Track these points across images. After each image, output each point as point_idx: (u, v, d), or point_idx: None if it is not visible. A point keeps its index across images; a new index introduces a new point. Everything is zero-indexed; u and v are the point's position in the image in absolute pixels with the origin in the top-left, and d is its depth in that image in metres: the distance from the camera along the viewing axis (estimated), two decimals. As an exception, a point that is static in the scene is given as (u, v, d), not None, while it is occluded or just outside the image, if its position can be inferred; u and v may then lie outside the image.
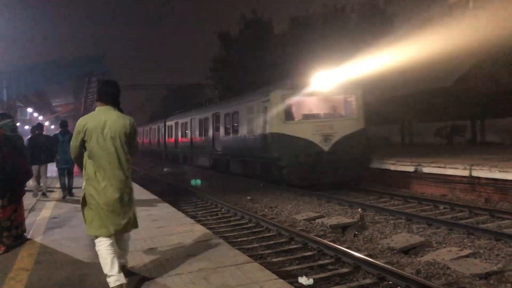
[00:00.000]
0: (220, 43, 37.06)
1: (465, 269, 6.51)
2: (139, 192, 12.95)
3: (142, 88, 63.13)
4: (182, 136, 31.55)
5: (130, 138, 4.55)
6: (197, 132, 27.24)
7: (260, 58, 33.18)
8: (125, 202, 4.51)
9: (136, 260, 5.53)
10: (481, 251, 7.57)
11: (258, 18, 35.24)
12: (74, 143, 4.48)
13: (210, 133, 24.38)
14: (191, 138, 28.80)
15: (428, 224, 9.69)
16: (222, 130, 22.38)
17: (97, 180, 4.37)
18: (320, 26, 32.41)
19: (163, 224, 7.75)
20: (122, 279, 4.34)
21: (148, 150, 44.53)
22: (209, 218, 11.88)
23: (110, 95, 4.60)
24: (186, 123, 30.25)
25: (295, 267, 7.21)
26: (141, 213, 8.97)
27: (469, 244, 8.07)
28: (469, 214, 10.68)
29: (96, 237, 4.42)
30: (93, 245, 4.60)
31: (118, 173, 4.44)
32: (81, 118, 4.57)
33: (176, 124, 32.97)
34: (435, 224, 9.59)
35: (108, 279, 4.33)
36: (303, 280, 6.37)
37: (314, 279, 6.40)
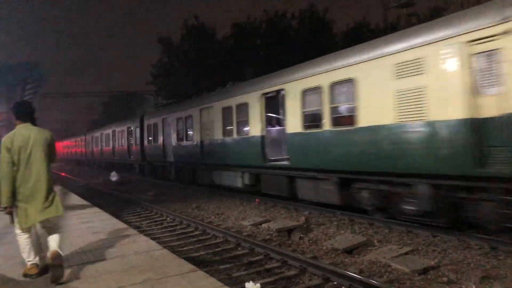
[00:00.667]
0: (162, 48, 36.57)
1: (405, 266, 6.76)
2: (79, 203, 12.46)
3: (80, 96, 61.10)
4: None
5: (50, 148, 5.32)
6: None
7: (203, 63, 33.06)
8: (48, 200, 5.20)
9: (75, 274, 5.29)
10: (420, 248, 7.90)
11: (200, 24, 35.11)
12: (3, 159, 5.02)
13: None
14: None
15: (370, 224, 10.01)
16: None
17: (24, 185, 5.05)
18: (263, 32, 32.86)
19: (104, 236, 7.49)
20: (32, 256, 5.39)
21: (85, 160, 44.47)
22: (154, 228, 11.61)
23: (28, 115, 5.30)
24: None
25: (242, 272, 7.19)
26: (81, 225, 8.65)
27: (409, 241, 8.41)
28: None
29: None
30: None
31: (42, 178, 5.14)
32: (6, 136, 5.13)
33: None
34: (376, 224, 9.92)
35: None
36: (249, 285, 6.33)
37: (261, 284, 6.40)
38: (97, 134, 40.13)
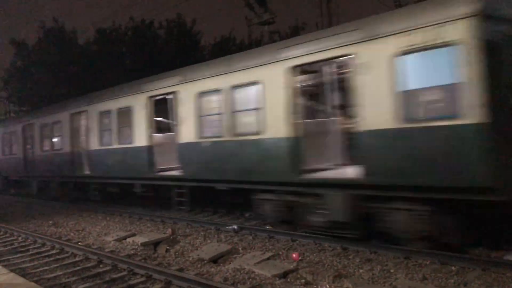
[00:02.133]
0: (14, 51, 33.23)
1: (267, 271, 7.06)
2: None
3: None
4: None
5: None
6: None
7: (62, 69, 30.83)
8: None
9: None
10: (280, 253, 8.31)
11: (59, 27, 32.75)
12: None
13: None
14: None
15: (235, 231, 10.25)
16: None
17: None
18: (128, 40, 31.89)
19: None
20: None
21: None
22: (1, 249, 10.41)
23: None
24: None
25: (103, 291, 6.82)
26: None
27: (271, 247, 8.78)
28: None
29: None
30: None
31: None
32: None
33: None
34: (241, 231, 10.20)
35: None
36: (111, 304, 6.05)
37: (123, 302, 6.15)
38: None
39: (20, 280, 5.47)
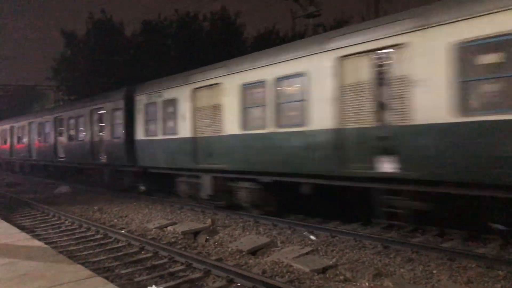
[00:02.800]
0: (65, 42, 34.41)
1: (305, 265, 7.03)
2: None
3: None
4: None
5: None
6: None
7: (109, 60, 31.71)
8: None
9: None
10: (319, 248, 8.27)
11: (107, 19, 33.65)
12: None
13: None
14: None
15: (274, 225, 10.27)
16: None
17: None
18: (173, 32, 32.36)
19: (-9, 242, 6.88)
20: None
21: None
22: (50, 231, 10.88)
23: None
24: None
25: (145, 277, 6.99)
26: (-36, 230, 7.86)
27: (309, 242, 8.76)
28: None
29: None
30: None
31: None
32: None
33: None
34: (280, 225, 10.21)
35: None
36: (151, 290, 6.21)
37: (164, 287, 6.30)
38: None
39: (68, 261, 5.71)
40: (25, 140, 27.46)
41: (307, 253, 7.83)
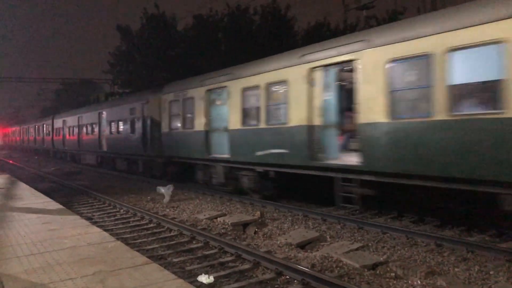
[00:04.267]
0: (120, 36, 35.56)
1: (355, 261, 6.97)
2: (28, 192, 12.03)
3: (32, 81, 58.56)
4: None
5: None
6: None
7: (162, 54, 32.48)
8: None
9: (23, 264, 5.13)
10: (370, 244, 8.16)
11: (161, 13, 34.42)
12: None
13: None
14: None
15: (323, 219, 10.23)
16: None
17: None
18: (224, 25, 32.65)
19: (55, 227, 7.28)
20: None
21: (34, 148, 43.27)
22: (106, 219, 11.38)
23: None
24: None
25: (196, 266, 7.19)
26: (31, 215, 8.37)
27: (359, 238, 8.66)
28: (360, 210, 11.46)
29: None
30: None
31: None
32: None
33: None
34: (329, 220, 10.15)
35: None
36: (203, 278, 6.37)
37: (214, 277, 6.44)
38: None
39: (125, 247, 5.96)
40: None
41: (357, 249, 7.75)
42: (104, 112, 24.55)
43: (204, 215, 11.03)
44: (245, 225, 9.97)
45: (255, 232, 9.49)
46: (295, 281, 6.35)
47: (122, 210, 12.38)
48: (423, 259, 7.22)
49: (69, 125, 31.75)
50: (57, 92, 65.81)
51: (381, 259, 7.14)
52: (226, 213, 11.34)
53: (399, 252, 7.64)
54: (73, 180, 20.07)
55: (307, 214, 10.78)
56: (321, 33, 30.97)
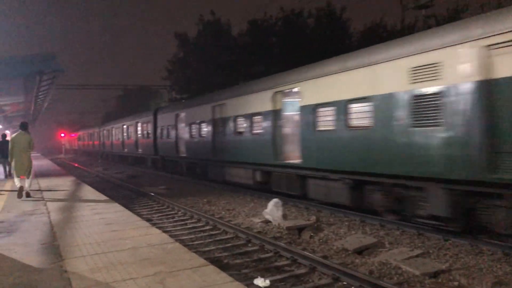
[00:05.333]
0: (177, 43, 36.63)
1: (415, 268, 6.73)
2: (92, 194, 12.60)
3: (95, 88, 61.54)
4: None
5: (30, 143, 11.70)
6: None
7: (218, 59, 33.07)
8: (26, 165, 11.68)
9: (88, 263, 5.37)
10: (431, 251, 7.86)
11: (216, 20, 35.12)
12: (10, 147, 11.66)
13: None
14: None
15: (381, 225, 9.97)
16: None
17: (16, 157, 11.55)
18: (278, 30, 32.74)
19: (116, 228, 7.57)
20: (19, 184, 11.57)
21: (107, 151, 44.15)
22: (165, 221, 11.71)
23: (24, 127, 11.94)
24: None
25: (252, 269, 7.23)
26: (94, 216, 8.76)
27: (420, 244, 8.36)
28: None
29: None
30: (44, 250, 5.33)
31: (24, 156, 11.63)
32: (13, 136, 11.92)
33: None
34: (388, 225, 9.87)
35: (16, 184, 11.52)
36: (259, 281, 6.39)
37: (270, 281, 6.44)
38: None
39: (183, 249, 6.09)
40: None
41: (417, 256, 7.49)
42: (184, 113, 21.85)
43: (259, 219, 11.07)
44: (301, 229, 9.91)
45: (311, 237, 9.41)
46: (353, 287, 6.23)
47: (180, 212, 12.69)
48: (489, 268, 6.85)
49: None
50: (118, 98, 68.71)
51: (443, 267, 6.86)
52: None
53: (462, 260, 7.31)
54: (136, 184, 20.80)
55: (364, 220, 10.54)
56: (378, 34, 30.25)
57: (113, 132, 37.90)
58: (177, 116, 22.61)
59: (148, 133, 27.71)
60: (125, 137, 33.85)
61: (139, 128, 30.03)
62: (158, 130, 25.57)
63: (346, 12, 32.77)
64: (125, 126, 33.80)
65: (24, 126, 11.92)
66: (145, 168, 29.83)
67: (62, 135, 78.64)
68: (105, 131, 42.12)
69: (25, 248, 6.30)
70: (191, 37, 36.15)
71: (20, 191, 11.43)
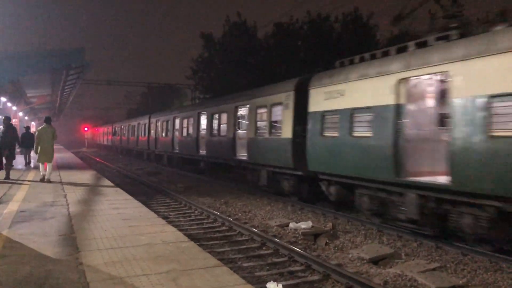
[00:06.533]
0: (203, 43, 36.84)
1: (431, 282, 6.61)
2: (111, 189, 12.76)
3: (120, 85, 62.27)
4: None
5: (54, 135, 14.01)
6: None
7: (243, 61, 33.15)
8: (49, 153, 13.94)
9: (103, 257, 5.43)
10: (448, 265, 7.70)
11: (242, 21, 35.22)
12: (36, 138, 14.17)
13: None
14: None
15: (399, 236, 9.81)
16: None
17: (41, 147, 13.75)
18: (304, 33, 32.65)
19: (133, 224, 7.64)
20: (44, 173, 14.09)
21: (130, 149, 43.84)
22: (181, 219, 11.78)
23: (48, 121, 14.31)
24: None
25: (265, 272, 7.21)
26: (112, 211, 8.86)
27: (437, 257, 8.20)
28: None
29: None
30: (61, 241, 5.31)
31: (48, 146, 13.86)
32: (39, 128, 14.37)
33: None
34: (405, 237, 9.71)
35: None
36: (272, 286, 6.35)
37: (283, 286, 6.40)
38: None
39: (198, 248, 6.11)
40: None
41: (434, 269, 7.35)
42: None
43: (275, 222, 11.04)
44: (316, 235, 9.84)
45: (326, 244, 9.33)
46: (366, 297, 6.15)
47: (196, 212, 12.74)
48: (508, 285, 6.68)
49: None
50: (142, 95, 69.48)
51: (460, 282, 6.72)
52: (297, 222, 11.24)
53: (481, 276, 7.14)
54: (154, 181, 20.98)
55: (381, 229, 10.40)
56: (405, 42, 29.86)
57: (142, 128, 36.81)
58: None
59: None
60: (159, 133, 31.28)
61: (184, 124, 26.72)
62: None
63: (374, 19, 32.46)
64: (154, 123, 32.50)
65: (48, 120, 14.43)
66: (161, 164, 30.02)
67: (86, 129, 79.93)
68: (133, 126, 41.10)
69: (44, 238, 6.42)
70: (217, 37, 36.35)
71: (43, 177, 14.03)
